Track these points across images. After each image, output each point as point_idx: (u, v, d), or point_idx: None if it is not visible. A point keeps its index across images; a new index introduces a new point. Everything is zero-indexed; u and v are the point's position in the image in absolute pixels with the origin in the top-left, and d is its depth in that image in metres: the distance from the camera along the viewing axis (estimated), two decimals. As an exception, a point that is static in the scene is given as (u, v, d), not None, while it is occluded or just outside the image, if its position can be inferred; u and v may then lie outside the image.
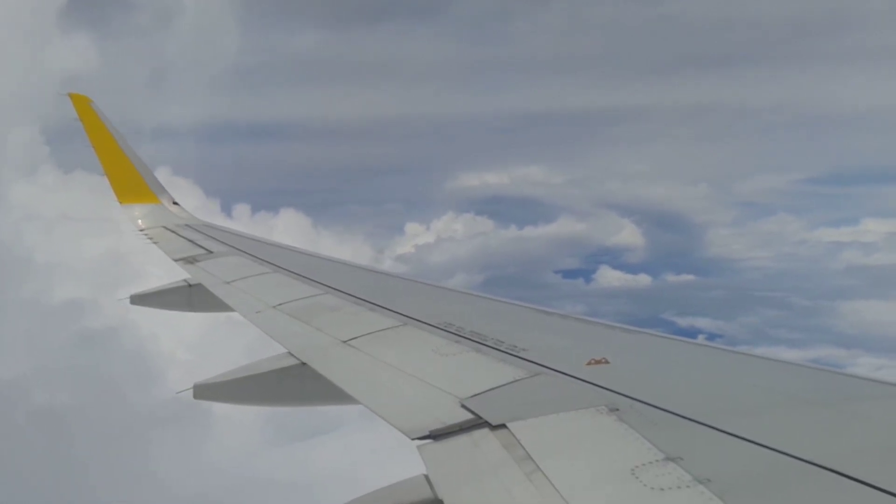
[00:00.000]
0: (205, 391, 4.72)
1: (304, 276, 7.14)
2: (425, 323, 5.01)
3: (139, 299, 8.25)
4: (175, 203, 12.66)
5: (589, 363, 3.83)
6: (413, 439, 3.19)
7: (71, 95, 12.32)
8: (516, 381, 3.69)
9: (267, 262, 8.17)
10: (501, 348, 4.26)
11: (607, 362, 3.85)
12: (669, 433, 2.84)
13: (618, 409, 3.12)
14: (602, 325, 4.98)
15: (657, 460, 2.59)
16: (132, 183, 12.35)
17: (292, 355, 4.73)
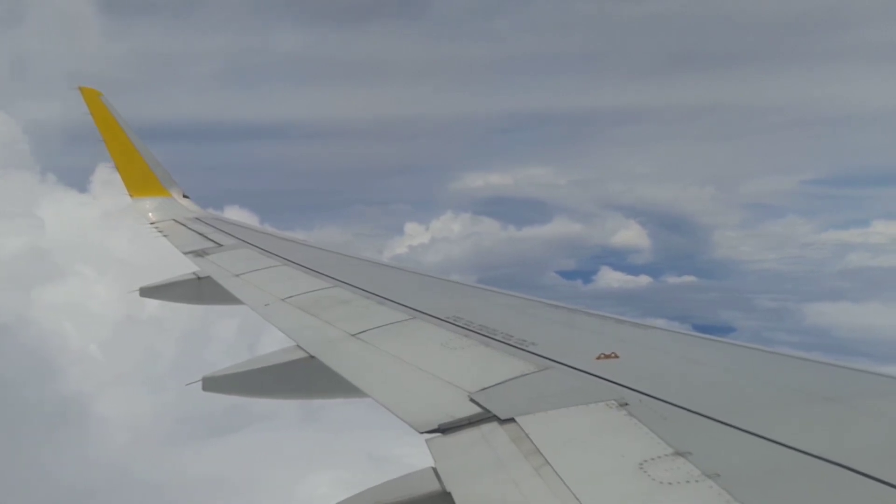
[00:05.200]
0: (214, 384, 4.73)
1: (313, 270, 7.15)
2: (434, 317, 5.01)
3: (148, 292, 8.28)
4: (185, 196, 12.69)
5: (598, 357, 3.82)
6: (422, 433, 3.19)
7: (81, 89, 12.33)
8: (525, 375, 3.69)
9: (276, 255, 8.19)
10: (510, 342, 4.25)
11: (617, 357, 3.84)
12: (678, 428, 2.84)
13: (627, 404, 3.11)
14: (612, 319, 4.96)
15: (666, 455, 2.59)
16: (143, 176, 12.39)
17: (301, 348, 4.74)
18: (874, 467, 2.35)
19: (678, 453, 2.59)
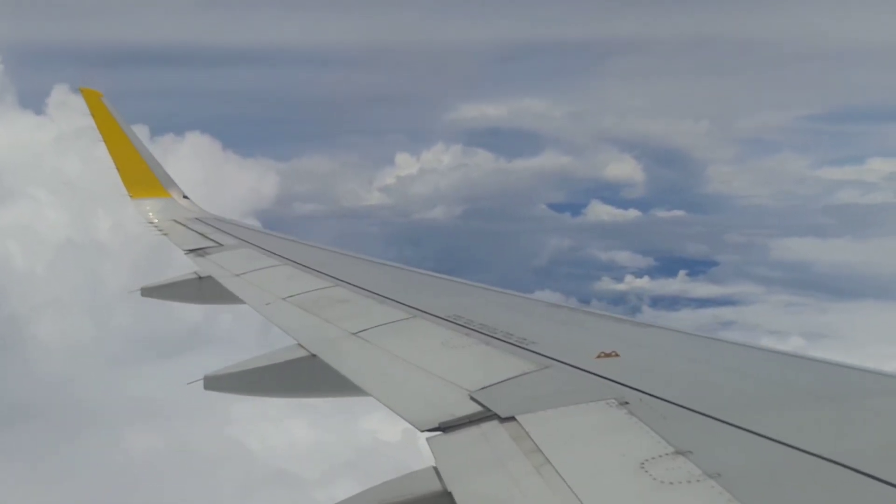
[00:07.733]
0: (215, 382, 4.75)
1: (313, 269, 7.16)
2: (434, 315, 5.01)
3: (150, 291, 8.29)
4: (185, 197, 12.70)
5: (599, 356, 3.82)
6: (423, 431, 3.19)
7: (82, 90, 12.34)
8: (526, 373, 3.69)
9: (277, 254, 8.19)
10: (511, 341, 4.25)
11: (617, 355, 3.84)
12: (679, 427, 2.84)
13: (628, 403, 3.11)
14: (612, 318, 4.97)
15: (667, 454, 2.59)
16: (143, 177, 12.39)
17: (302, 347, 4.75)
18: (875, 467, 2.34)
19: (679, 452, 2.59)
